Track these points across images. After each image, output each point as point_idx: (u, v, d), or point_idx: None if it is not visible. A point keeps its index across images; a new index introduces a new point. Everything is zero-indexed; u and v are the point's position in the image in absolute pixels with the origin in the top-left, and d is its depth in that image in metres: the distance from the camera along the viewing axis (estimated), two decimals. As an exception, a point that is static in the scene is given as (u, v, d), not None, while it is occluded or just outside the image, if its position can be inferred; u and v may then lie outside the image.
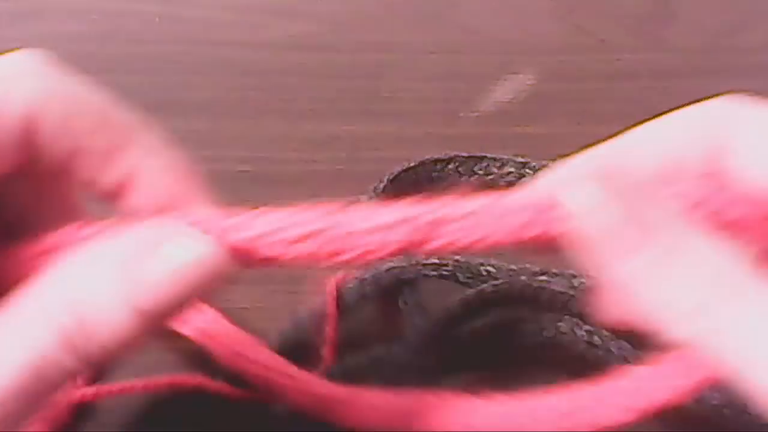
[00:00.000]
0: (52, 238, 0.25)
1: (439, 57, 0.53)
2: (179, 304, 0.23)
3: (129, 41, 0.53)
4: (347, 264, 0.24)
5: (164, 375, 0.34)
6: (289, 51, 0.53)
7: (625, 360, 0.36)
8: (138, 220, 0.24)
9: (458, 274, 0.38)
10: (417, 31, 0.55)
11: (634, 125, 0.52)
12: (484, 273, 0.38)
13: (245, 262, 0.25)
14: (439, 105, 0.50)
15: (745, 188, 0.25)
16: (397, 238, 0.23)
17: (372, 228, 0.24)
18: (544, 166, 0.44)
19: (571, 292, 0.37)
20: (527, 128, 0.49)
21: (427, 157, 0.44)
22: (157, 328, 0.23)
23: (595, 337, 0.37)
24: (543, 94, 0.51)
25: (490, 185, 0.43)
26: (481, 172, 0.44)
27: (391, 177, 0.42)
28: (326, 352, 0.35)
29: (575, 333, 0.37)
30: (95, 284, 0.22)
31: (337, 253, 0.24)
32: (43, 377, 0.22)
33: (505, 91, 0.51)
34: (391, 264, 0.38)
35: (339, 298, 0.37)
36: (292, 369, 0.34)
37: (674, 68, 0.54)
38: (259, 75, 0.51)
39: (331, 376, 0.34)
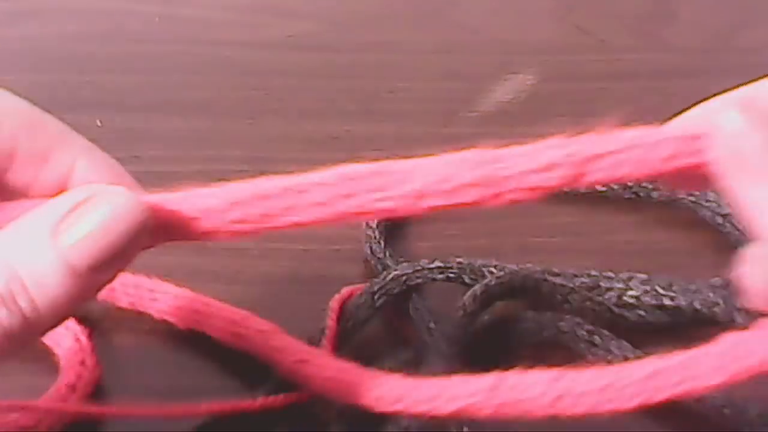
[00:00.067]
0: None
1: (439, 57, 0.53)
2: (110, 258, 0.24)
3: (129, 41, 0.53)
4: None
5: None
6: (289, 51, 0.53)
7: (626, 360, 0.36)
8: None
9: (463, 276, 0.38)
10: (417, 31, 0.55)
11: (634, 125, 0.52)
12: (488, 274, 0.38)
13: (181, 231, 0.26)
14: (439, 105, 0.50)
15: None
16: (559, 173, 0.25)
17: (535, 168, 0.25)
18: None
19: (572, 285, 0.38)
20: (527, 128, 0.49)
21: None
22: (94, 286, 0.24)
23: (596, 337, 0.37)
24: (543, 94, 0.51)
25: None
26: None
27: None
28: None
29: (576, 333, 0.37)
30: (27, 245, 0.23)
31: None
32: None
33: (505, 91, 0.51)
34: (397, 272, 0.37)
35: (343, 314, 0.37)
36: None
37: (674, 68, 0.54)
38: (259, 75, 0.51)
39: None
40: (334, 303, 0.37)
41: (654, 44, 0.56)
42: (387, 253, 0.40)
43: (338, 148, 0.47)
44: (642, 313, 0.38)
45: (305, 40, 0.54)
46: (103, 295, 0.36)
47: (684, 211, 0.44)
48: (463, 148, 0.46)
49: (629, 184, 0.44)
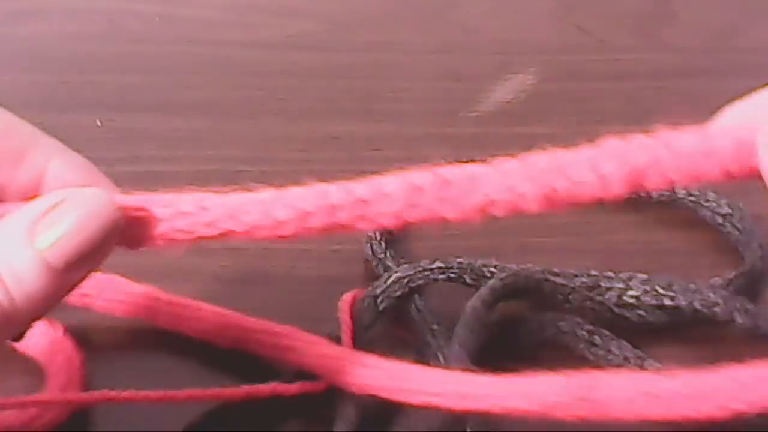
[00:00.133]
0: None
1: (439, 57, 0.53)
2: (84, 257, 0.25)
3: (129, 41, 0.53)
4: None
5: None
6: (289, 51, 0.53)
7: (626, 360, 0.36)
8: None
9: (464, 276, 0.38)
10: (417, 31, 0.55)
11: (634, 125, 0.52)
12: (488, 274, 0.38)
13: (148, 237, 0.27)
14: (439, 105, 0.50)
15: None
16: (616, 185, 0.25)
17: (593, 179, 0.25)
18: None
19: (572, 285, 0.37)
20: (527, 128, 0.49)
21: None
22: (68, 283, 0.25)
23: (596, 337, 0.37)
24: (543, 94, 0.51)
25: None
26: None
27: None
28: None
29: (576, 333, 0.37)
30: (6, 244, 0.25)
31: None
32: None
33: (505, 91, 0.51)
34: (398, 273, 0.37)
35: (354, 315, 0.36)
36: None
37: (674, 68, 0.53)
38: (258, 75, 0.51)
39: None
40: (345, 305, 0.36)
41: (654, 44, 0.56)
42: (388, 254, 0.40)
43: (338, 148, 0.47)
44: (642, 313, 0.38)
45: (305, 40, 0.54)
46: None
47: (684, 211, 0.43)
48: (463, 149, 0.47)
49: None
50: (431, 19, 0.56)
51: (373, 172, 0.44)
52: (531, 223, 0.43)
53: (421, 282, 0.37)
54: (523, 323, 0.37)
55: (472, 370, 0.32)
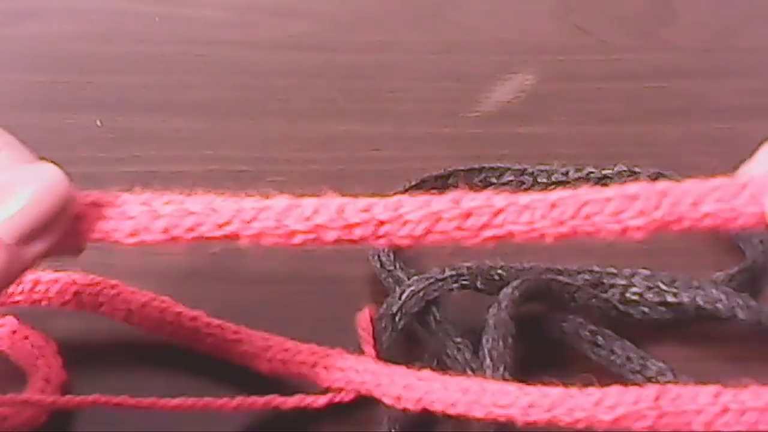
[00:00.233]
0: None
1: (439, 57, 0.53)
2: (37, 230, 0.25)
3: (129, 41, 0.53)
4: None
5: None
6: (289, 51, 0.53)
7: (628, 360, 0.36)
8: None
9: (476, 282, 0.38)
10: (417, 31, 0.55)
11: (634, 125, 0.52)
12: (497, 277, 0.38)
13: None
14: (439, 105, 0.50)
15: None
16: (640, 230, 0.25)
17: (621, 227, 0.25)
18: (541, 171, 0.44)
19: (578, 284, 0.37)
20: (527, 128, 0.49)
21: (426, 174, 0.43)
22: (23, 257, 0.25)
23: (599, 338, 0.37)
24: (543, 94, 0.51)
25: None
26: (480, 184, 0.44)
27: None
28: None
29: (579, 333, 0.37)
30: None
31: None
32: None
33: (505, 91, 0.51)
34: (412, 287, 0.37)
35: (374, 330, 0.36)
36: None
37: (674, 68, 0.54)
38: (259, 75, 0.51)
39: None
40: (364, 323, 0.36)
41: (654, 44, 0.56)
42: (397, 265, 0.39)
43: (338, 148, 0.47)
44: (645, 310, 0.38)
45: (305, 40, 0.54)
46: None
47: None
48: (463, 149, 0.47)
49: (628, 183, 0.44)
50: (431, 19, 0.56)
51: (373, 172, 0.45)
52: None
53: (436, 294, 0.37)
54: (524, 323, 0.37)
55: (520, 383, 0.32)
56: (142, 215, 0.27)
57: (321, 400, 0.34)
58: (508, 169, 0.44)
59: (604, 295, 0.38)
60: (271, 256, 0.41)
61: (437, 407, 0.32)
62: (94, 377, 0.35)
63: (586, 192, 0.26)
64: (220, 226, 0.27)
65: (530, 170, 0.44)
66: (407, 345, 0.37)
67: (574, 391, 0.30)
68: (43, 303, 0.37)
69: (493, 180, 0.44)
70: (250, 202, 0.27)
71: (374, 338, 0.36)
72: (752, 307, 0.37)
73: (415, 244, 0.27)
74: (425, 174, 0.43)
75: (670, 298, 0.38)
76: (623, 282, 0.39)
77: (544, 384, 0.30)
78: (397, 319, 0.36)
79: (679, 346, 0.38)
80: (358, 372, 0.33)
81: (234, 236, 0.27)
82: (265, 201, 0.27)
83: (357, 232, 0.26)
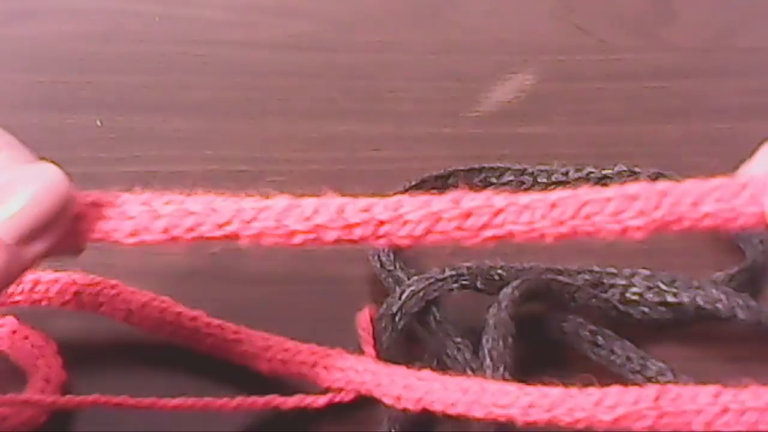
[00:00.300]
0: None
1: (439, 57, 0.53)
2: (38, 230, 0.25)
3: (129, 41, 0.53)
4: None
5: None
6: (289, 51, 0.53)
7: (628, 360, 0.36)
8: None
9: (476, 282, 0.38)
10: (417, 31, 0.55)
11: (634, 125, 0.52)
12: (497, 277, 0.38)
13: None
14: (439, 105, 0.50)
15: None
16: (640, 230, 0.25)
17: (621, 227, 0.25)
18: (541, 171, 0.44)
19: (578, 284, 0.37)
20: (527, 128, 0.49)
21: (426, 174, 0.43)
22: (24, 259, 0.25)
23: (599, 338, 0.37)
24: (543, 94, 0.51)
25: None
26: (480, 184, 0.44)
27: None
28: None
29: (579, 333, 0.37)
30: None
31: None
32: None
33: (505, 91, 0.51)
34: (412, 287, 0.37)
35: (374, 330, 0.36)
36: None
37: (674, 68, 0.54)
38: (259, 75, 0.51)
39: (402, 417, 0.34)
40: (364, 323, 0.36)
41: (654, 44, 0.56)
42: (397, 265, 0.39)
43: (338, 148, 0.47)
44: (645, 310, 0.38)
45: (305, 40, 0.54)
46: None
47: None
48: (463, 148, 0.47)
49: (628, 183, 0.44)
50: (431, 19, 0.56)
51: (373, 172, 0.45)
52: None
53: (436, 294, 0.37)
54: (524, 323, 0.37)
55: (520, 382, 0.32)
56: (142, 215, 0.27)
57: (321, 400, 0.34)
58: (508, 169, 0.44)
59: (604, 295, 0.38)
60: (271, 256, 0.41)
61: (437, 407, 0.32)
62: (94, 377, 0.35)
63: (586, 192, 0.26)
64: (220, 226, 0.27)
65: (530, 170, 0.44)
66: (407, 345, 0.37)
67: (574, 391, 0.30)
68: (43, 303, 0.37)
69: (493, 180, 0.44)
70: (250, 202, 0.27)
71: (374, 338, 0.36)
72: (752, 307, 0.37)
73: (415, 244, 0.27)
74: (425, 174, 0.44)
75: (670, 298, 0.38)
76: (623, 282, 0.39)
77: (544, 384, 0.30)
78: (397, 319, 0.36)
79: (679, 346, 0.38)
80: (358, 372, 0.33)
81: (234, 236, 0.27)
82: (265, 201, 0.27)
83: (357, 232, 0.26)
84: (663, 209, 0.25)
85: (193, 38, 0.53)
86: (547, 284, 0.37)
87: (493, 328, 0.35)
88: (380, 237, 0.27)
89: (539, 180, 0.44)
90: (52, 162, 0.26)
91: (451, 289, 0.37)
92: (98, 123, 0.47)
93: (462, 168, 0.44)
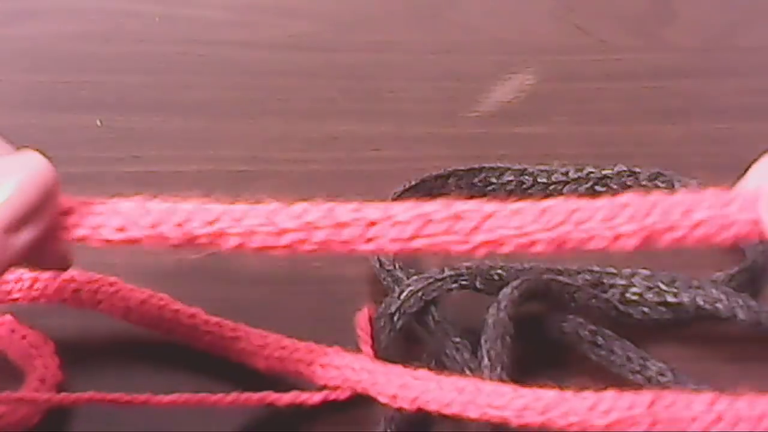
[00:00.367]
0: None
1: (439, 57, 0.53)
2: (24, 218, 0.25)
3: (129, 41, 0.53)
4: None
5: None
6: (289, 51, 0.53)
7: (628, 360, 0.36)
8: None
9: (475, 282, 0.38)
10: (417, 31, 0.55)
11: (634, 125, 0.52)
12: (496, 277, 0.38)
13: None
14: (439, 105, 0.50)
15: None
16: (632, 240, 0.25)
17: (613, 235, 0.26)
18: (541, 171, 0.44)
19: (578, 284, 0.37)
20: (527, 128, 0.49)
21: (426, 174, 0.43)
22: (11, 248, 0.25)
23: (599, 338, 0.37)
24: (543, 94, 0.51)
25: (492, 195, 0.42)
26: (480, 184, 0.44)
27: (394, 197, 0.42)
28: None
29: (579, 333, 0.37)
30: None
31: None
32: None
33: (505, 91, 0.51)
34: (411, 287, 0.37)
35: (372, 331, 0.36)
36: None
37: (674, 68, 0.54)
38: (259, 75, 0.51)
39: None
40: (363, 322, 0.36)
41: (654, 44, 0.56)
42: (397, 265, 0.39)
43: (338, 148, 0.47)
44: (646, 310, 0.38)
45: (305, 40, 0.54)
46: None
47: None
48: (463, 148, 0.47)
49: (628, 183, 0.44)
50: (431, 19, 0.56)
51: (373, 172, 0.45)
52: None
53: (435, 294, 0.37)
54: (524, 323, 0.37)
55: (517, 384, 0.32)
56: (131, 210, 0.27)
57: (316, 397, 0.34)
58: (508, 169, 0.44)
59: (604, 295, 0.38)
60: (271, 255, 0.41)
61: (432, 407, 0.32)
62: (92, 374, 0.35)
63: (577, 201, 0.26)
64: (210, 222, 0.27)
65: (530, 170, 0.44)
66: (406, 345, 0.37)
67: (568, 394, 0.30)
68: (42, 300, 0.37)
69: (493, 180, 0.44)
70: (241, 204, 0.27)
71: (373, 338, 0.36)
72: (752, 307, 0.37)
73: (404, 250, 0.27)
74: (425, 174, 0.44)
75: (670, 298, 0.38)
76: (623, 282, 0.39)
77: (541, 386, 0.30)
78: (395, 318, 0.36)
79: (679, 346, 0.38)
80: (355, 370, 0.33)
81: (223, 234, 0.27)
82: (254, 205, 0.27)
83: (347, 233, 0.26)
84: (654, 216, 0.25)
85: (193, 38, 0.53)
86: (547, 284, 0.37)
87: (491, 328, 0.35)
88: (370, 240, 0.26)
89: (539, 180, 0.44)
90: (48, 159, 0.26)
91: (451, 289, 0.37)
92: (98, 123, 0.47)
93: (462, 168, 0.44)
